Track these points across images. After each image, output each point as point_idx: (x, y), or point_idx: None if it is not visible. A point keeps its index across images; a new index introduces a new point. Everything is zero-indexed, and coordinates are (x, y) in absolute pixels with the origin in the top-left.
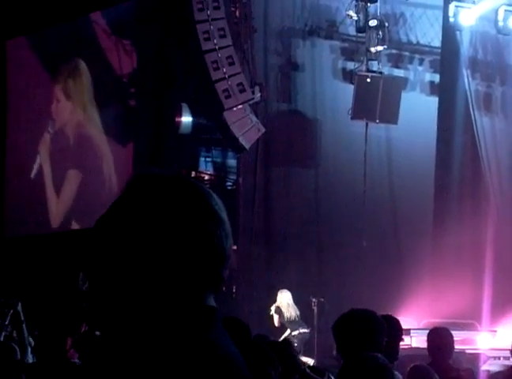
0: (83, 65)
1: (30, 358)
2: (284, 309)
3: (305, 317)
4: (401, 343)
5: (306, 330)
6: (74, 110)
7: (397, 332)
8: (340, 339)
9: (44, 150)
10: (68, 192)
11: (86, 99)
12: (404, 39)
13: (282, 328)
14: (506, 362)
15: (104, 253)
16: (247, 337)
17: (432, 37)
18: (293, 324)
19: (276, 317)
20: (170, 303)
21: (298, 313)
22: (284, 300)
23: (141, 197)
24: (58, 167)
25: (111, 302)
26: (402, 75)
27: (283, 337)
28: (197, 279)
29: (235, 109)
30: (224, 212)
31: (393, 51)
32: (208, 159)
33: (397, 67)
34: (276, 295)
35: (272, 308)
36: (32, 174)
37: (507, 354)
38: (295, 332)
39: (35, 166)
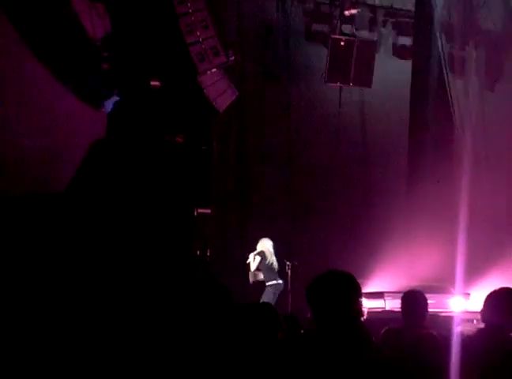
0: None
1: None
2: (268, 254)
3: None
4: (373, 306)
5: (280, 281)
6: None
7: None
8: (315, 300)
9: None
10: None
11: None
12: (377, 2)
13: (256, 275)
14: (480, 325)
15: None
16: (230, 300)
17: (405, 1)
18: (271, 273)
19: (257, 260)
20: None
21: (276, 263)
22: (267, 246)
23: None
24: None
25: None
26: (375, 38)
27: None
28: None
29: (209, 72)
30: None
31: (367, 15)
32: (182, 123)
33: (371, 30)
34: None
35: (254, 253)
36: None
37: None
38: (271, 282)
39: None
